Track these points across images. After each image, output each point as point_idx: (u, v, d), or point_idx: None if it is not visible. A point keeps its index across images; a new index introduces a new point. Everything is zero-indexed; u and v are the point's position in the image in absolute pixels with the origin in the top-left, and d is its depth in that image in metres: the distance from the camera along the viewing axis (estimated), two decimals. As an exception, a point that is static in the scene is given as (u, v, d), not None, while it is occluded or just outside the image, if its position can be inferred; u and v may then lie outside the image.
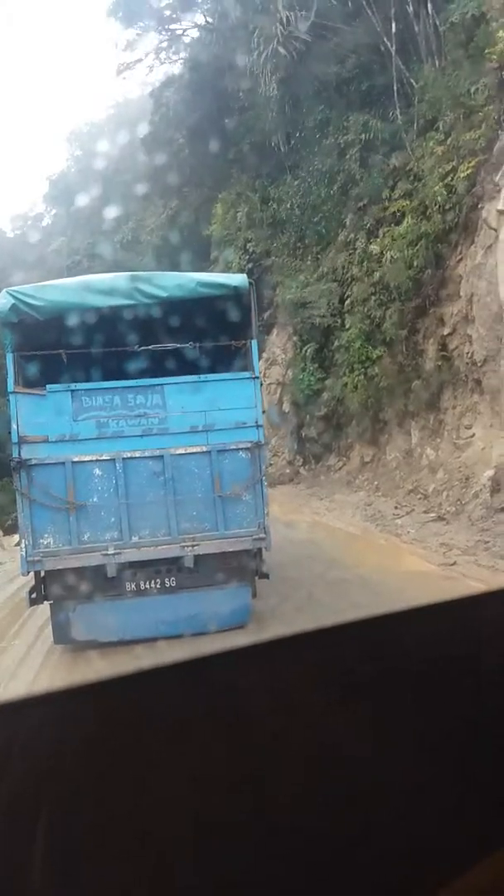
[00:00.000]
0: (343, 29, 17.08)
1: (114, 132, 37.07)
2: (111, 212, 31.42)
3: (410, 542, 9.93)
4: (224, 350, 7.44)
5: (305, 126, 18.98)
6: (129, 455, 6.62)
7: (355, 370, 16.30)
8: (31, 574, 6.65)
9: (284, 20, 17.19)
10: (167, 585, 6.67)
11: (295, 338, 19.92)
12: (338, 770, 0.97)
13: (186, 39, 26.41)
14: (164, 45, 26.62)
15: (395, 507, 12.47)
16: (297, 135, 19.55)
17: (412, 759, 1.01)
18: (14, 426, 6.47)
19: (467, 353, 12.99)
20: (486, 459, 11.78)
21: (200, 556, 6.62)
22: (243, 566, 6.82)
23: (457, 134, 13.81)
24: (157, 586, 6.65)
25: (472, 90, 13.45)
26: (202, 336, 7.16)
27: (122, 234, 31.07)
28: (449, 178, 13.62)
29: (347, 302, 17.11)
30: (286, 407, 20.47)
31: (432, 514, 11.27)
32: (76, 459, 6.50)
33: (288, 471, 20.20)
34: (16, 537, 9.78)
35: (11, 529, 13.31)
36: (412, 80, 16.06)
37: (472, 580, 7.51)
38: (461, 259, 13.51)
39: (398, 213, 15.37)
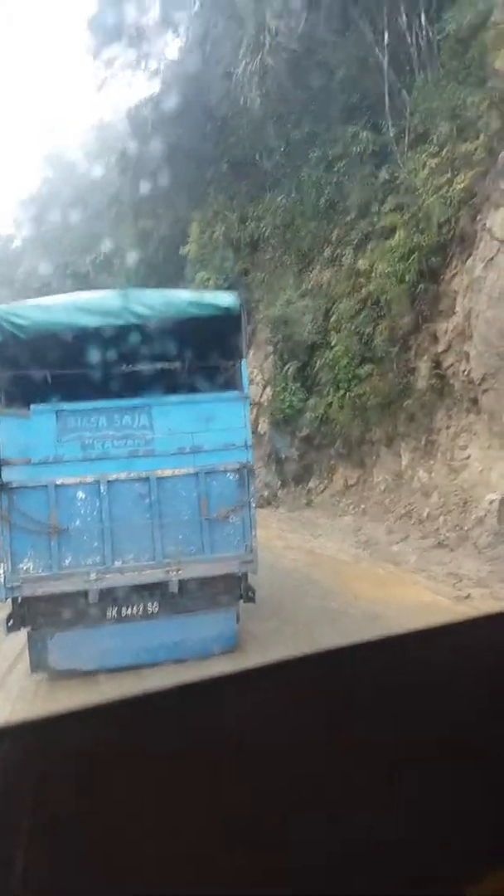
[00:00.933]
0: (333, 40, 16.63)
1: (88, 154, 36.81)
2: (83, 233, 31.12)
3: (413, 572, 9.06)
4: (213, 370, 7.33)
5: (291, 139, 18.43)
6: (114, 477, 6.42)
7: (341, 388, 15.56)
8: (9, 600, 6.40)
9: (273, 30, 16.67)
10: (150, 611, 6.48)
11: (275, 356, 19.28)
12: (335, 793, 0.95)
13: (168, 53, 25.96)
14: (143, 59, 26.07)
15: (389, 533, 11.62)
16: (283, 149, 19.01)
17: (412, 781, 0.97)
18: None
19: (463, 371, 12.33)
20: (485, 482, 11.05)
21: (185, 581, 6.46)
22: (229, 590, 6.68)
23: (452, 145, 13.33)
24: (140, 612, 6.47)
25: (469, 101, 13.03)
26: (191, 356, 7.04)
27: (94, 255, 30.50)
28: (444, 191, 13.12)
29: (333, 319, 16.42)
30: (263, 427, 19.82)
31: (431, 541, 10.45)
32: (59, 482, 6.30)
33: (266, 493, 19.40)
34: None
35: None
36: (404, 92, 15.62)
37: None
38: (456, 274, 12.93)
39: (388, 228, 14.82)
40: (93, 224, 30.13)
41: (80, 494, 6.38)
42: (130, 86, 34.71)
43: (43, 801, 0.81)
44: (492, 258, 11.28)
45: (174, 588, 6.38)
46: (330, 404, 15.98)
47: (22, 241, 45.86)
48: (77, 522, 6.35)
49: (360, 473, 15.62)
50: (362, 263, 15.43)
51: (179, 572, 6.40)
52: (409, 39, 15.80)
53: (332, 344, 16.14)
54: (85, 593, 6.27)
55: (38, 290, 27.47)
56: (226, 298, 7.11)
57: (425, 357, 13.39)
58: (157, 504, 6.41)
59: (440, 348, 13.03)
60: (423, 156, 14.41)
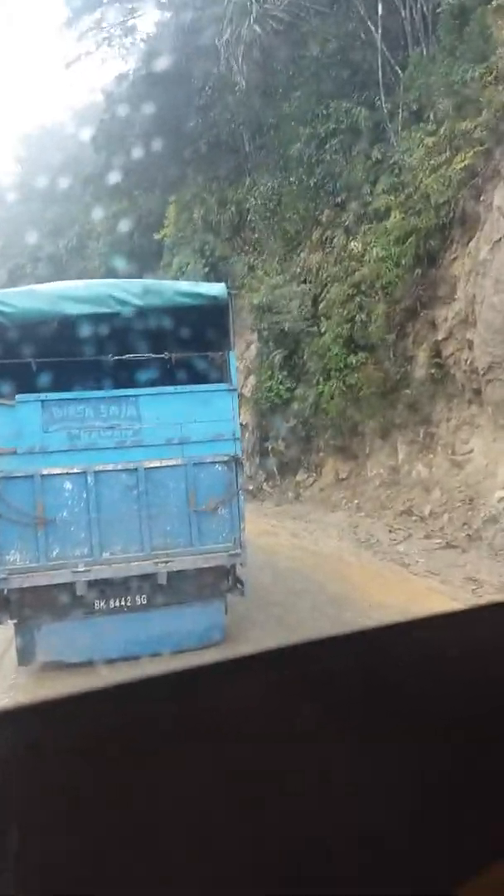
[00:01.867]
0: (324, 11, 15.84)
1: (62, 135, 35.71)
2: (57, 214, 30.23)
3: (425, 576, 8.48)
4: (201, 361, 7.34)
5: (280, 114, 17.61)
6: (101, 468, 6.41)
7: (332, 378, 14.90)
8: None
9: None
10: (138, 603, 6.49)
11: (259, 344, 18.57)
12: (330, 780, 0.91)
13: (145, 26, 24.88)
14: (119, 30, 24.95)
15: (389, 531, 11.04)
16: (269, 124, 18.19)
17: (408, 770, 0.93)
18: None
19: (466, 359, 11.76)
20: (492, 478, 10.51)
21: (173, 573, 6.48)
22: (218, 582, 6.71)
23: (451, 123, 12.69)
24: (128, 604, 6.48)
25: (469, 76, 12.39)
26: (179, 346, 7.01)
27: (67, 239, 29.53)
28: (442, 170, 12.49)
29: (322, 305, 15.73)
30: (246, 418, 19.15)
31: (437, 541, 9.89)
32: (45, 472, 6.27)
33: (250, 486, 18.73)
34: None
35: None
36: (397, 68, 14.93)
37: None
38: (457, 258, 12.33)
39: (382, 209, 14.17)
40: (67, 206, 29.18)
41: (67, 485, 6.37)
42: (104, 61, 33.38)
43: (33, 793, 0.79)
44: (499, 240, 10.68)
45: (162, 580, 6.40)
46: (320, 394, 15.32)
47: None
48: (64, 513, 6.35)
49: (352, 466, 15.02)
50: (355, 246, 14.77)
51: (168, 564, 6.42)
52: (402, 13, 15.12)
53: (322, 331, 15.46)
54: (72, 585, 6.28)
55: (11, 272, 26.62)
56: (213, 288, 7.15)
57: (424, 345, 12.80)
58: (145, 495, 6.43)
59: (440, 336, 12.44)
60: (420, 134, 13.79)
